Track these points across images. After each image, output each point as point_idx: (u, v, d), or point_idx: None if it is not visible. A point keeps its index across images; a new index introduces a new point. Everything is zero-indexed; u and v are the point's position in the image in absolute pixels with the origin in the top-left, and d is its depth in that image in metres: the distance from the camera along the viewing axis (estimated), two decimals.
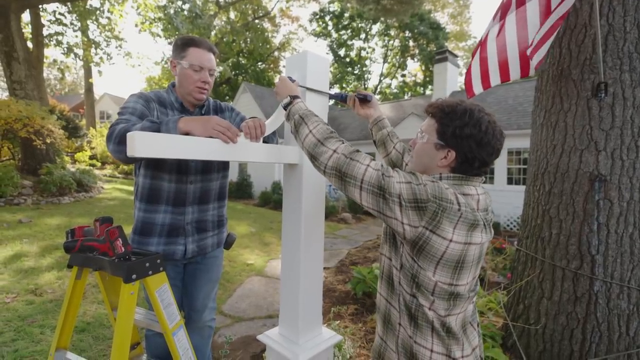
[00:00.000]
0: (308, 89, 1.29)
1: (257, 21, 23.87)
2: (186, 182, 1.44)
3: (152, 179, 1.40)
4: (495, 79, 2.21)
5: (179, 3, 14.94)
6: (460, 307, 0.87)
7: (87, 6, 11.78)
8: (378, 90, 29.02)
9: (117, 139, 1.15)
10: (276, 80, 1.24)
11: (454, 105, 0.89)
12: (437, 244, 0.79)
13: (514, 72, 2.10)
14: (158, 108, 1.42)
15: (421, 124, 0.97)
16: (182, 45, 1.40)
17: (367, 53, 27.84)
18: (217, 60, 1.56)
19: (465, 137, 0.85)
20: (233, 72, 24.05)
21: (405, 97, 25.84)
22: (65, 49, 11.87)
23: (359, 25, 25.84)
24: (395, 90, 29.11)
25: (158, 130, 1.09)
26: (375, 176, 0.82)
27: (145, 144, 0.90)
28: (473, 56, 2.37)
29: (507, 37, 2.10)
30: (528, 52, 1.88)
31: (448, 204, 0.79)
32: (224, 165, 1.60)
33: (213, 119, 1.09)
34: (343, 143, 0.92)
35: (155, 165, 1.40)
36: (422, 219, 0.78)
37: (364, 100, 1.39)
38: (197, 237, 1.50)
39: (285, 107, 1.11)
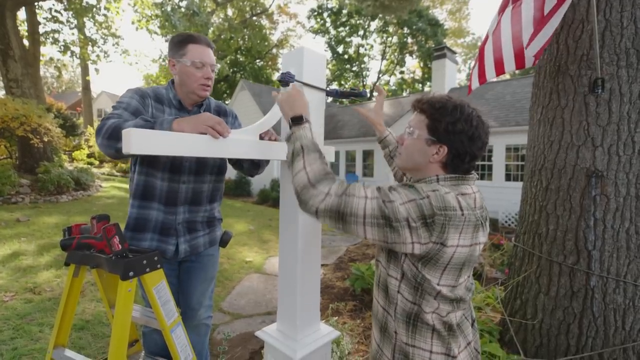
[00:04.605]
0: (305, 84, 1.29)
1: (255, 18, 23.76)
2: (179, 181, 1.43)
3: (147, 176, 1.41)
4: (490, 73, 2.22)
5: (176, 0, 14.85)
6: (460, 308, 0.88)
7: (84, 3, 11.66)
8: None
9: (107, 134, 1.14)
10: (286, 88, 1.16)
11: (443, 101, 0.89)
12: (446, 254, 0.80)
13: (509, 64, 2.10)
14: (154, 105, 1.41)
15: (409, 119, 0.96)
16: (180, 43, 1.37)
17: (366, 50, 27.74)
18: (215, 57, 1.53)
19: (458, 132, 0.86)
20: (231, 70, 23.94)
21: (404, 94, 25.80)
22: (61, 46, 11.76)
23: (357, 22, 25.73)
24: (393, 87, 28.99)
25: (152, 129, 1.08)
26: (376, 206, 0.79)
27: (142, 141, 0.89)
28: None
29: (502, 33, 2.10)
30: (525, 47, 1.88)
31: (452, 212, 0.78)
32: (218, 169, 1.57)
33: (203, 115, 1.08)
34: (335, 182, 0.86)
35: (149, 163, 1.40)
36: (432, 235, 0.77)
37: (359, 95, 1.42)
38: (189, 237, 1.50)
39: (291, 125, 1.01)
